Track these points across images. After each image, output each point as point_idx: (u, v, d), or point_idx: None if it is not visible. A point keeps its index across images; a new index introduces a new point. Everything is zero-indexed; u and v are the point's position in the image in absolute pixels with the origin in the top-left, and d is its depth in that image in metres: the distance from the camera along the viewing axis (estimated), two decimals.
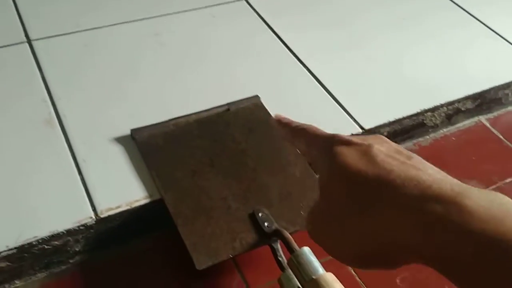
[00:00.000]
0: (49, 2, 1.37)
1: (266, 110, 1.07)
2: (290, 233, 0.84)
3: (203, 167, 0.93)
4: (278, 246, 0.85)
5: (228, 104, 1.04)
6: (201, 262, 0.81)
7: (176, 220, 0.86)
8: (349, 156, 0.53)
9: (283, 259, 0.83)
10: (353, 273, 0.98)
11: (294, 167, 0.96)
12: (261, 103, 1.08)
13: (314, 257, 0.79)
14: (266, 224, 0.86)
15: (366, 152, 0.52)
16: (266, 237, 0.86)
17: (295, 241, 0.83)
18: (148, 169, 0.94)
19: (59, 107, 1.08)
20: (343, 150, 0.54)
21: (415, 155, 0.56)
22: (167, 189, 0.89)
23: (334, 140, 0.57)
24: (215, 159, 0.94)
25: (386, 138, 0.58)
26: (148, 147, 0.95)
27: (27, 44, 1.23)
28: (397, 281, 0.98)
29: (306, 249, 0.79)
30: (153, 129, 0.98)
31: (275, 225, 0.86)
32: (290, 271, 0.81)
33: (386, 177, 0.48)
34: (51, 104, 1.09)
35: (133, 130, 0.98)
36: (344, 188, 0.52)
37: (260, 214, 0.87)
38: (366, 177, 0.50)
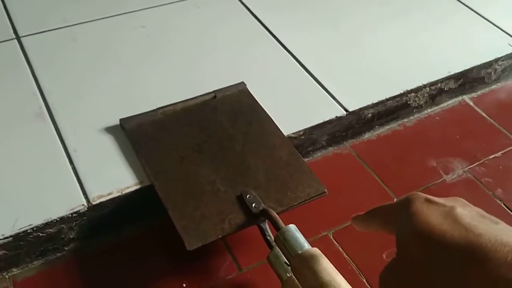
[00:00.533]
0: None
1: (252, 96, 1.09)
2: (277, 213, 0.87)
3: (192, 153, 0.95)
4: (266, 226, 0.88)
5: (214, 91, 1.07)
6: (191, 243, 0.84)
7: (166, 204, 0.89)
8: (432, 215, 0.49)
9: (271, 237, 0.86)
10: (341, 249, 1.01)
11: (280, 150, 0.99)
12: (247, 89, 1.11)
13: (300, 233, 0.81)
14: (253, 205, 0.88)
15: (449, 213, 0.49)
16: (254, 218, 0.88)
17: (282, 221, 0.85)
18: (137, 157, 0.95)
19: (49, 100, 1.11)
20: (424, 209, 0.51)
21: (500, 221, 0.49)
22: (156, 175, 0.91)
23: (413, 197, 0.53)
24: (203, 145, 0.97)
25: (466, 201, 0.52)
26: (137, 136, 0.97)
27: (16, 41, 1.25)
28: (384, 256, 1.01)
29: (292, 227, 0.81)
30: (141, 118, 1.00)
31: (262, 205, 0.88)
32: (278, 249, 0.84)
33: (476, 241, 0.45)
34: (41, 98, 1.11)
35: (122, 120, 1.01)
36: (427, 250, 0.48)
37: (247, 196, 0.90)
38: (452, 240, 0.46)
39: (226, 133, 1.00)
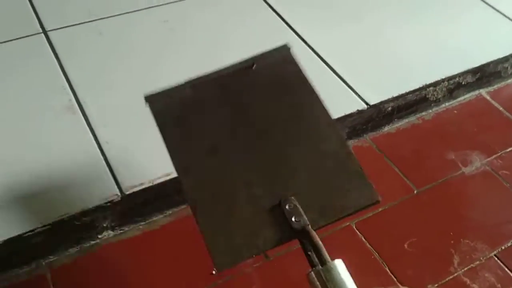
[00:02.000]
0: None
1: (297, 64, 0.89)
2: (321, 226, 0.73)
3: (225, 140, 0.80)
4: None
5: (253, 58, 0.87)
6: (222, 264, 0.70)
7: (194, 209, 0.74)
8: None
9: (313, 254, 0.70)
10: (363, 239, 1.04)
11: (328, 142, 0.81)
12: (291, 55, 0.89)
13: (347, 273, 0.66)
14: (294, 218, 0.72)
15: None
16: (294, 233, 0.72)
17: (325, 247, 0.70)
18: (167, 147, 0.81)
19: (79, 93, 1.14)
20: None
21: None
22: (185, 172, 0.77)
23: None
24: (238, 129, 0.81)
25: None
26: (165, 118, 0.82)
27: (43, 35, 1.28)
28: (405, 246, 1.05)
29: (338, 264, 0.66)
30: (169, 95, 0.84)
31: (304, 220, 0.71)
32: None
33: None
34: (70, 91, 1.14)
35: (147, 97, 0.84)
36: None
37: (287, 206, 0.73)
38: None
39: (265, 115, 0.83)
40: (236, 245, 0.71)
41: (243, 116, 0.83)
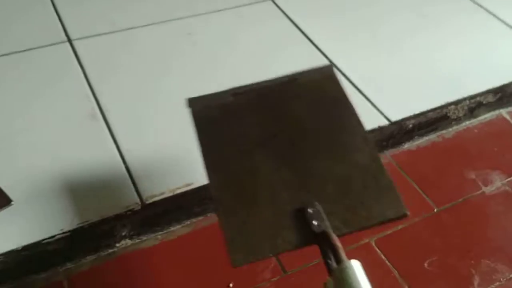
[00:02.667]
0: (86, 3, 1.43)
1: (338, 83, 0.91)
2: (344, 233, 0.72)
3: (257, 147, 0.81)
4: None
5: (297, 74, 0.91)
6: (238, 260, 0.71)
7: (217, 207, 0.77)
8: None
9: (332, 262, 0.68)
10: (383, 257, 1.03)
11: (360, 153, 0.81)
12: (334, 74, 0.92)
13: (364, 274, 0.65)
14: (315, 222, 0.72)
15: None
16: (313, 237, 0.71)
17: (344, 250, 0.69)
18: (199, 143, 0.82)
19: (102, 101, 1.15)
20: None
21: None
22: (215, 170, 0.78)
23: None
24: (273, 139, 0.83)
25: None
26: (203, 119, 0.85)
27: (68, 44, 1.30)
28: (425, 264, 1.03)
29: (355, 264, 0.65)
30: (210, 100, 0.87)
31: (325, 225, 0.71)
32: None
33: None
34: (93, 99, 1.16)
35: (190, 100, 0.88)
36: None
37: (310, 210, 0.73)
38: None
39: (301, 127, 0.84)
40: (254, 243, 0.72)
41: (279, 124, 0.84)
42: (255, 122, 0.84)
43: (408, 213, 0.75)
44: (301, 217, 0.73)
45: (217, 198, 0.77)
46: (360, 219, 0.74)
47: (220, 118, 0.85)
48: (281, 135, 0.83)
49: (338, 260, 0.66)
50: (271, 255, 0.73)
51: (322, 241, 0.70)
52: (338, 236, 0.70)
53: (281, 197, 0.76)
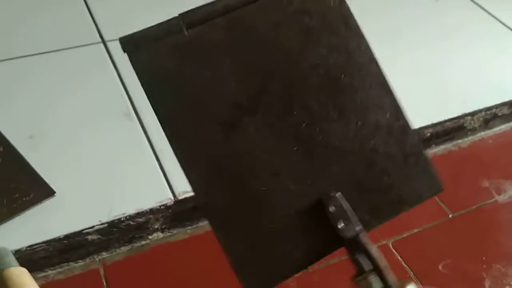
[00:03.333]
0: (119, 5, 1.50)
1: None
2: (373, 227, 0.57)
3: (242, 114, 0.56)
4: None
5: None
6: (253, 286, 0.55)
7: (210, 220, 0.55)
8: None
9: (366, 262, 0.53)
10: (399, 258, 1.09)
11: (380, 111, 0.59)
12: None
13: None
14: (341, 223, 0.55)
15: None
16: (341, 242, 0.55)
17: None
18: (159, 118, 0.56)
19: (136, 102, 1.21)
20: None
21: None
22: (190, 164, 0.55)
23: None
24: (259, 97, 0.56)
25: None
26: (154, 78, 0.56)
27: (102, 44, 1.36)
28: (440, 267, 1.09)
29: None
30: (155, 38, 0.56)
31: (355, 227, 0.54)
32: (373, 277, 0.53)
33: None
34: (128, 99, 1.22)
35: (124, 39, 0.57)
36: None
37: (331, 207, 0.55)
38: None
39: (295, 72, 0.58)
40: (269, 262, 0.55)
41: (265, 72, 0.57)
42: (232, 72, 0.56)
43: (443, 187, 0.61)
44: (321, 215, 0.55)
45: (205, 204, 0.56)
46: (391, 205, 0.58)
47: (179, 70, 0.56)
48: (271, 90, 0.57)
49: (386, 283, 0.53)
50: (294, 274, 0.57)
51: (354, 248, 0.55)
52: (368, 230, 0.55)
53: (291, 188, 0.56)
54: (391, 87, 0.61)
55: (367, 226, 0.55)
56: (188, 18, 0.56)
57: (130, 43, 0.56)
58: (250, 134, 0.55)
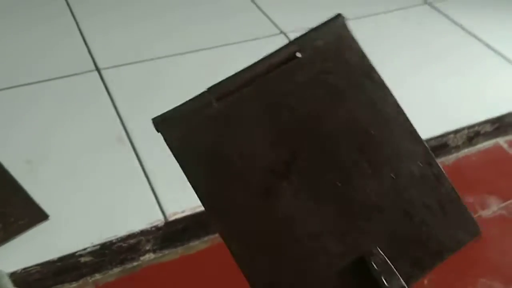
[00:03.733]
0: (113, 33, 1.56)
1: (357, 44, 0.63)
2: (418, 280, 0.58)
3: (278, 179, 0.56)
4: None
5: (297, 42, 0.61)
6: None
7: (249, 277, 0.55)
8: None
9: None
10: None
11: (412, 161, 0.59)
12: (348, 30, 0.63)
13: None
14: (384, 277, 0.54)
15: None
16: None
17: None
18: (198, 196, 0.58)
19: (128, 126, 1.25)
20: None
21: None
22: (231, 236, 0.55)
23: None
24: (293, 161, 0.56)
25: None
26: (188, 153, 0.58)
27: (96, 72, 1.41)
28: (425, 282, 1.11)
29: None
30: (187, 115, 0.60)
31: (399, 283, 0.54)
32: None
33: None
34: (121, 124, 1.26)
35: (158, 121, 0.62)
36: None
37: (374, 263, 0.55)
38: None
39: (324, 132, 0.58)
40: None
41: (297, 137, 0.58)
42: (264, 139, 0.57)
43: (481, 231, 0.62)
44: (363, 273, 0.55)
45: (252, 276, 0.56)
46: (433, 254, 0.58)
47: (212, 145, 0.57)
48: (303, 153, 0.57)
49: None
50: None
51: None
52: (412, 282, 0.55)
53: (332, 252, 0.55)
54: (420, 136, 0.62)
55: (411, 279, 0.55)
56: (216, 92, 0.59)
57: (163, 123, 0.59)
58: (287, 199, 0.55)
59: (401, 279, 0.54)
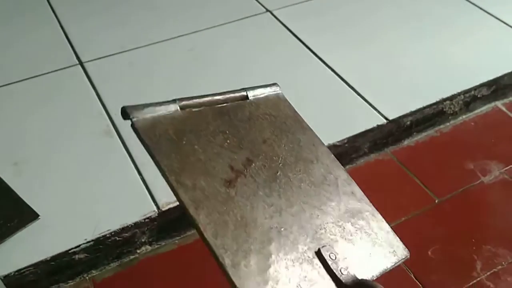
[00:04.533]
0: (94, 26, 1.52)
1: (289, 104, 0.84)
2: (370, 275, 0.65)
3: (236, 175, 0.68)
4: None
5: (245, 89, 0.79)
6: None
7: (222, 259, 0.61)
8: None
9: None
10: None
11: (344, 188, 0.74)
12: (282, 94, 0.84)
13: None
14: (340, 269, 0.62)
15: None
16: (344, 287, 0.62)
17: None
18: (163, 172, 0.65)
19: (115, 119, 1.22)
20: None
21: None
22: (198, 207, 0.62)
23: None
24: (249, 165, 0.70)
25: None
26: (156, 139, 0.67)
27: (79, 66, 1.38)
28: (429, 252, 1.09)
29: None
30: (156, 111, 0.70)
31: (353, 273, 0.62)
32: None
33: None
34: (107, 117, 1.23)
35: (127, 109, 0.70)
36: None
37: (329, 255, 0.63)
38: None
39: (273, 153, 0.74)
40: None
41: (249, 150, 0.72)
42: (221, 144, 0.71)
43: (409, 255, 0.72)
44: (322, 264, 0.63)
45: (219, 247, 0.61)
46: (373, 263, 0.68)
47: (178, 137, 0.68)
48: (257, 162, 0.71)
49: None
50: None
51: None
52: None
53: (292, 242, 0.64)
54: (342, 167, 0.77)
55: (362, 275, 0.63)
56: (182, 102, 0.71)
57: (132, 110, 0.69)
58: (246, 191, 0.66)
59: (353, 271, 0.62)
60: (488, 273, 1.06)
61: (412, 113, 1.27)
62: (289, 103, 0.83)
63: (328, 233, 0.67)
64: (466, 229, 1.14)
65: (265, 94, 0.82)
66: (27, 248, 0.97)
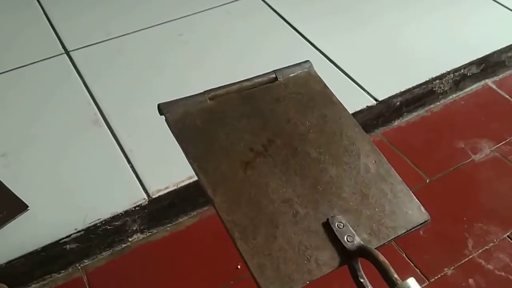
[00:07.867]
0: (80, 15, 1.49)
1: (321, 80, 0.86)
2: (376, 245, 0.66)
3: (255, 156, 0.74)
4: (359, 264, 0.66)
5: (274, 71, 0.83)
6: None
7: (232, 233, 0.66)
8: None
9: (365, 280, 0.64)
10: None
11: (366, 157, 0.76)
12: (315, 71, 0.86)
13: None
14: (346, 238, 0.66)
15: None
16: (348, 255, 0.65)
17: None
18: (189, 159, 0.73)
19: (103, 107, 1.21)
20: None
21: None
22: (215, 188, 0.69)
23: None
24: (269, 146, 0.75)
25: None
26: (184, 130, 0.75)
27: (65, 55, 1.36)
28: (421, 232, 1.09)
29: (412, 284, 0.59)
30: (186, 105, 0.78)
31: (358, 240, 0.66)
32: None
33: None
34: (95, 106, 1.22)
35: (162, 105, 0.77)
36: None
37: (337, 224, 0.67)
38: None
39: (296, 131, 0.78)
40: (286, 271, 0.64)
41: (272, 130, 0.77)
42: (244, 128, 0.77)
43: (430, 219, 0.72)
44: (329, 233, 0.67)
45: (228, 221, 0.67)
46: (387, 229, 0.69)
47: (204, 126, 0.76)
48: (278, 141, 0.76)
49: (391, 281, 0.60)
50: (308, 282, 0.64)
51: (361, 257, 0.64)
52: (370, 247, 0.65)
53: (301, 213, 0.69)
54: (370, 139, 0.78)
55: (369, 244, 0.65)
56: (210, 93, 0.78)
57: (165, 106, 0.76)
58: (263, 170, 0.72)
59: (358, 239, 0.65)
60: (480, 251, 1.06)
61: (401, 94, 1.26)
62: (320, 78, 0.85)
63: (341, 203, 0.70)
64: (457, 208, 1.14)
65: (295, 73, 0.85)
66: (18, 240, 0.97)
